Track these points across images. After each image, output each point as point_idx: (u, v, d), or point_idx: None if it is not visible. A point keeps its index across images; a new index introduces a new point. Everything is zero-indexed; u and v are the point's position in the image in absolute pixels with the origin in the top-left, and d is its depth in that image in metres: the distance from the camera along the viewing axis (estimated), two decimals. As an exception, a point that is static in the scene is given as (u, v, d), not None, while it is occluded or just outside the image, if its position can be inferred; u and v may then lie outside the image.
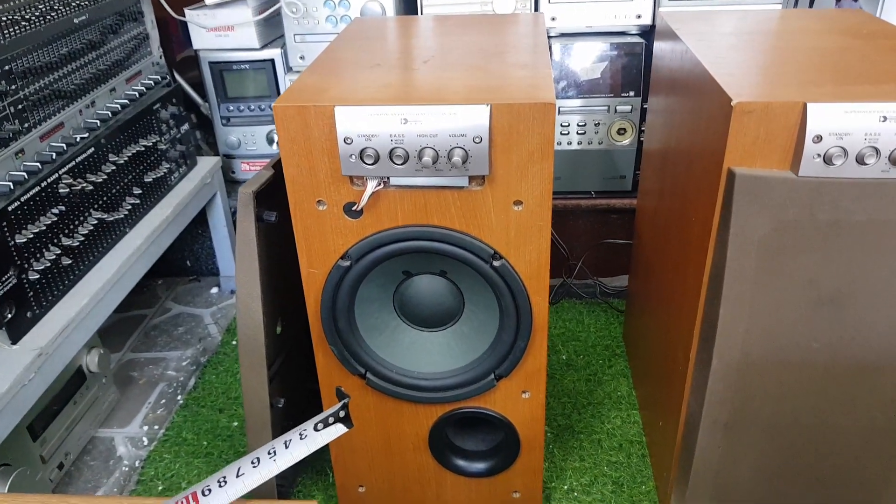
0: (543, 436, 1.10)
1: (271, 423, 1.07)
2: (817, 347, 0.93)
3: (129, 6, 1.43)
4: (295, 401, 1.22)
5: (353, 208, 0.94)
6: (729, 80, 0.88)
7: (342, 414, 0.78)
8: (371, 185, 0.91)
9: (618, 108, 1.59)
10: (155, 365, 1.57)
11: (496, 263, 0.95)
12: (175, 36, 2.01)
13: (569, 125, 1.61)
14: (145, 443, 1.37)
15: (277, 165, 0.97)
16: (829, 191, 0.84)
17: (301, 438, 0.77)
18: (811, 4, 1.90)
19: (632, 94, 1.58)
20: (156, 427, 1.41)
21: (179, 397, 1.48)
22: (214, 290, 1.86)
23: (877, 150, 0.82)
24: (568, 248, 1.76)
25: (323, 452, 1.30)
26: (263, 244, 0.99)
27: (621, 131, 1.61)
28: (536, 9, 1.57)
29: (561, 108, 1.60)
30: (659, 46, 1.27)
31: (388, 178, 0.91)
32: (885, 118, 0.81)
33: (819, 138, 0.82)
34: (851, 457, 1.01)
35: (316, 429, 0.79)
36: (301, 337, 1.19)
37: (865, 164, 0.82)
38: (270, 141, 1.79)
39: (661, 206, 1.23)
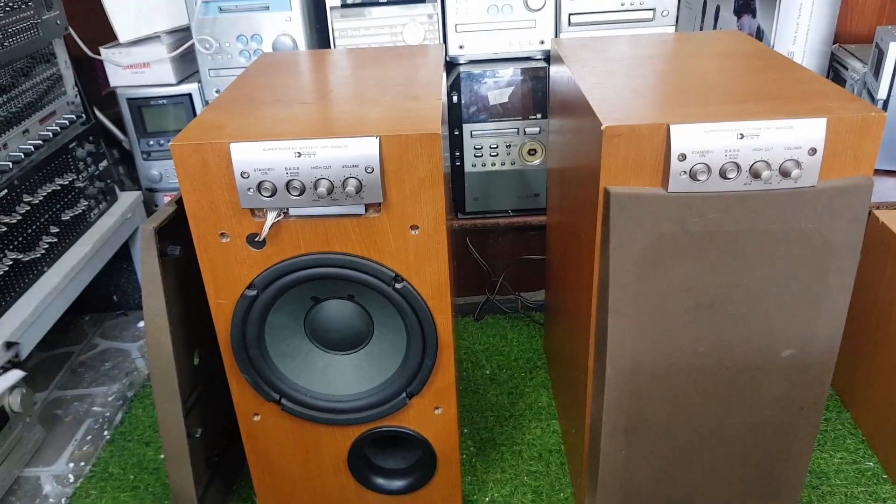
0: (458, 450, 1.14)
1: (190, 453, 1.09)
2: (702, 351, 1.00)
3: (39, 49, 1.45)
4: (217, 429, 1.24)
5: (256, 239, 0.97)
6: (602, 104, 0.95)
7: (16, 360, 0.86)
8: (271, 217, 0.95)
9: (527, 129, 1.66)
10: (81, 402, 1.57)
11: (398, 286, 0.99)
12: (101, 71, 2.02)
13: (482, 147, 1.67)
14: (71, 480, 1.37)
15: (180, 200, 1.00)
16: (697, 204, 0.91)
17: None
18: (715, 24, 2.00)
19: (539, 116, 1.65)
20: (82, 464, 1.41)
21: (106, 433, 1.48)
22: (142, 323, 1.87)
23: (737, 165, 0.89)
24: (489, 265, 1.81)
25: (248, 478, 1.32)
26: (172, 278, 1.02)
27: (532, 152, 1.68)
28: (445, 38, 1.63)
29: (473, 132, 1.66)
30: (553, 71, 1.34)
31: (288, 209, 0.95)
32: (742, 135, 0.88)
33: (683, 157, 0.88)
34: (745, 452, 1.08)
35: None
36: (221, 365, 1.21)
37: (728, 179, 0.89)
38: (193, 174, 1.80)
39: (563, 221, 1.29)
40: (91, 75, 1.79)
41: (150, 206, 1.85)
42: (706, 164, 0.89)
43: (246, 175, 0.91)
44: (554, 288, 1.47)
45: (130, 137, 1.78)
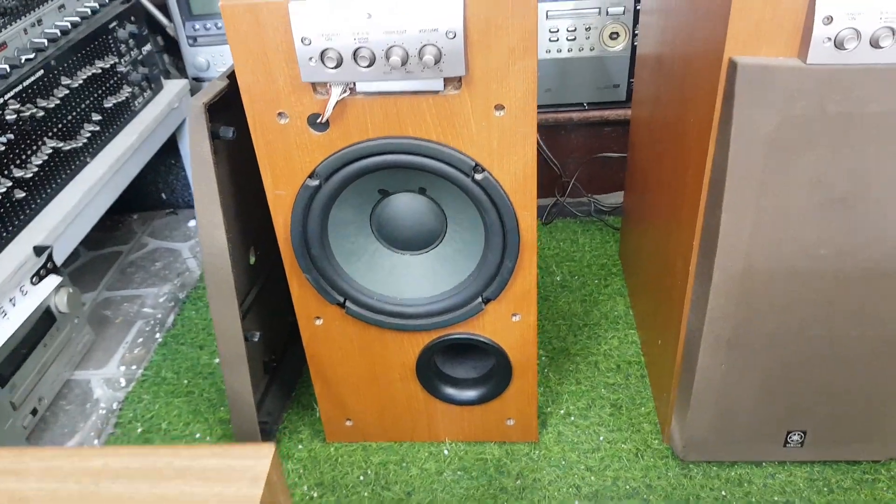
0: (536, 360, 1.04)
1: (248, 357, 1.01)
2: (825, 254, 0.86)
3: (72, -86, 1.32)
4: (275, 332, 1.15)
5: (318, 120, 0.85)
6: (730, -43, 0.79)
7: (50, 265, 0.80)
8: (336, 93, 0.82)
9: (609, 9, 1.48)
10: (131, 303, 1.51)
11: (478, 177, 0.87)
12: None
13: (557, 31, 1.51)
14: (123, 384, 1.31)
15: (232, 76, 0.88)
16: (840, 79, 0.76)
17: (23, 294, 0.77)
18: None
19: (624, -7, 1.47)
20: (133, 367, 1.35)
21: (158, 335, 1.42)
22: (192, 222, 1.79)
23: (893, 31, 0.73)
24: (560, 164, 1.67)
25: (307, 385, 1.25)
26: (225, 164, 0.91)
27: (614, 36, 1.51)
28: None
29: (548, 13, 1.49)
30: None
31: (355, 83, 0.82)
32: (907, -8, 0.72)
33: (829, 19, 0.73)
34: (860, 368, 0.96)
35: (32, 283, 0.77)
36: (279, 265, 1.12)
37: (881, 48, 0.74)
38: (241, 63, 1.68)
39: (656, 114, 1.14)
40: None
41: (197, 98, 1.74)
42: (855, 30, 0.73)
43: (307, 41, 0.78)
44: (638, 189, 1.33)
45: (175, 22, 1.65)
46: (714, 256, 0.87)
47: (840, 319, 0.92)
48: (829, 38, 0.74)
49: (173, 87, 1.59)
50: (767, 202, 0.83)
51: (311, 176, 0.89)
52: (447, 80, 0.82)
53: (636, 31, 1.50)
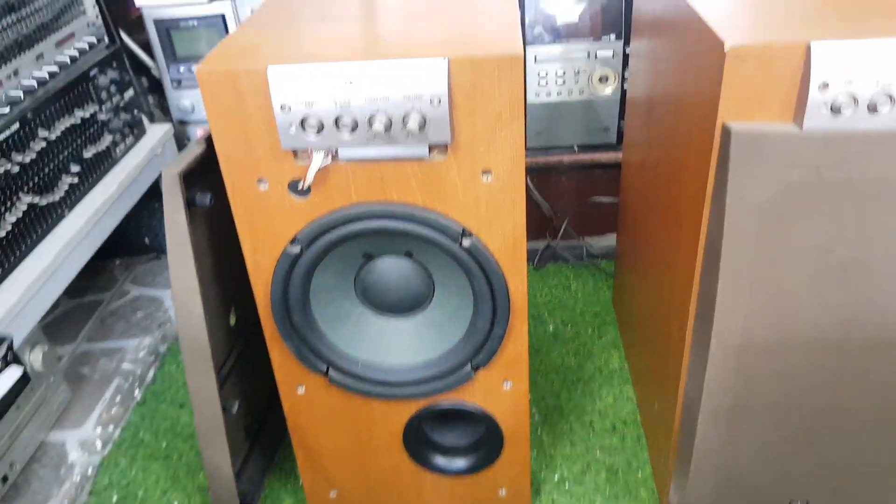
0: (529, 428, 1.00)
1: (226, 428, 0.97)
2: (827, 322, 0.83)
3: (52, -39, 1.29)
4: (256, 395, 1.11)
5: (300, 186, 0.82)
6: (719, 19, 0.76)
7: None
8: (317, 159, 0.79)
9: (598, 53, 1.46)
10: (110, 357, 1.46)
11: (466, 242, 0.83)
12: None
13: (546, 75, 1.49)
14: (98, 447, 1.26)
15: (209, 140, 0.85)
16: (837, 146, 0.73)
17: None
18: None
19: (613, 37, 1.45)
20: (111, 427, 1.30)
21: (137, 392, 1.37)
22: (176, 268, 1.74)
23: (891, 97, 0.71)
24: (551, 207, 1.64)
25: (291, 449, 1.20)
26: (202, 230, 0.88)
27: (603, 80, 1.49)
28: (507, -51, 1.43)
29: (537, 57, 1.47)
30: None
31: (337, 149, 0.79)
32: (904, 57, 0.69)
33: (825, 85, 0.70)
34: (865, 438, 0.92)
35: None
36: (260, 325, 1.08)
37: (878, 113, 0.71)
38: (226, 106, 1.65)
39: (648, 158, 1.12)
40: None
41: (181, 140, 1.71)
42: (852, 95, 0.71)
43: (286, 108, 0.75)
44: (630, 234, 1.30)
45: (159, 64, 1.63)
46: (711, 325, 0.84)
47: (843, 389, 0.88)
48: (826, 104, 0.71)
49: (157, 132, 1.56)
50: (765, 270, 0.80)
51: (292, 242, 0.85)
52: (432, 146, 0.79)
53: (625, 76, 1.48)
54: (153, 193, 1.62)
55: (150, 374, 1.41)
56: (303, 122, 0.76)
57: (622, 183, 1.38)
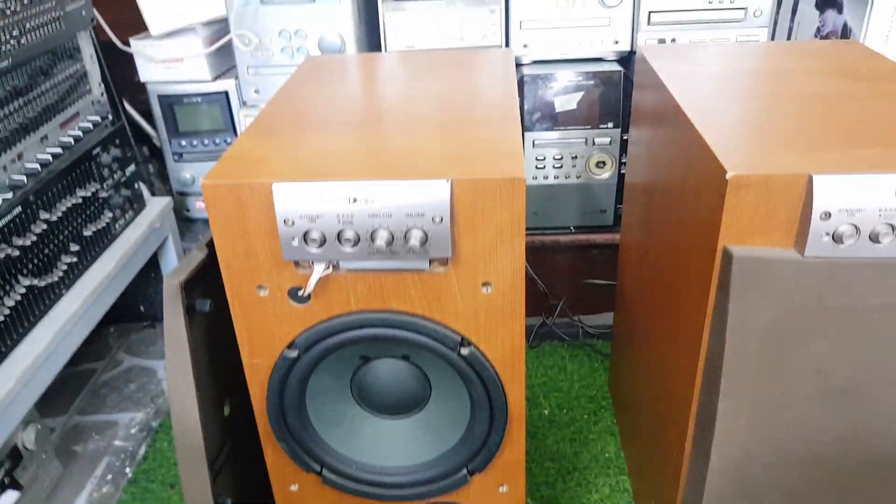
0: (523, 527, 0.99)
1: (219, 524, 0.95)
2: (827, 441, 0.83)
3: (62, 43, 1.30)
4: (248, 496, 1.10)
5: (299, 294, 0.82)
6: (721, 143, 0.77)
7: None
8: (318, 270, 0.79)
9: (596, 140, 1.48)
10: (102, 434, 1.44)
11: (464, 351, 0.83)
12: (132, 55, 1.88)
13: (544, 158, 1.50)
14: (89, 527, 1.24)
15: (211, 244, 0.85)
16: (839, 273, 0.74)
17: None
18: (793, 17, 1.80)
19: (610, 125, 1.47)
20: (102, 507, 1.28)
21: (128, 470, 1.35)
22: (171, 337, 1.74)
23: (893, 227, 0.71)
24: (547, 286, 1.65)
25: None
26: (200, 332, 0.87)
27: (600, 164, 1.51)
28: (507, 35, 1.46)
29: (536, 142, 1.49)
30: (639, 81, 1.16)
31: (338, 261, 0.80)
32: (904, 191, 0.70)
33: (828, 215, 0.71)
34: (864, 552, 0.91)
35: None
36: (253, 417, 1.08)
37: (880, 243, 0.72)
38: (227, 178, 1.66)
39: (647, 243, 1.12)
40: (121, 60, 1.63)
41: (180, 212, 1.72)
42: (854, 226, 0.71)
43: (290, 222, 0.76)
44: (627, 318, 1.30)
45: (161, 137, 1.64)
46: (712, 438, 0.83)
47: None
48: (828, 233, 0.72)
49: (156, 205, 1.57)
50: (766, 389, 0.80)
51: (289, 346, 0.85)
52: (433, 259, 0.79)
53: (623, 161, 1.50)
54: (150, 263, 1.62)
55: (142, 450, 1.39)
56: (305, 236, 0.76)
57: (620, 265, 1.39)
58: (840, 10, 1.65)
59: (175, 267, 0.83)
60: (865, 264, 0.73)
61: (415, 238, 0.75)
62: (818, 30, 1.74)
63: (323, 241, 0.77)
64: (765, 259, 0.74)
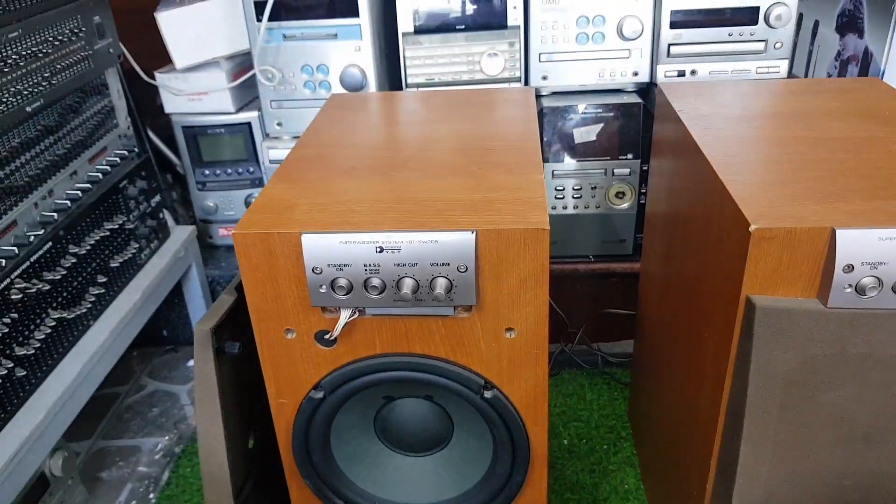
0: (545, 565, 1.00)
1: (244, 560, 0.97)
2: (849, 485, 0.83)
3: (90, 81, 1.33)
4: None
5: (326, 337, 0.84)
6: (743, 192, 0.78)
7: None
8: (345, 315, 0.81)
9: (615, 170, 1.49)
10: (126, 459, 1.46)
11: (487, 394, 0.85)
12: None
13: (563, 189, 1.52)
14: (115, 553, 1.26)
15: (239, 287, 0.87)
16: (861, 323, 0.74)
17: None
18: (812, 40, 1.80)
19: (630, 156, 1.48)
20: (127, 533, 1.30)
21: (152, 496, 1.37)
22: (191, 362, 1.76)
23: (915, 278, 0.72)
24: (566, 314, 1.66)
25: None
26: (228, 375, 0.89)
27: (620, 195, 1.52)
28: (527, 67, 1.47)
29: (555, 172, 1.50)
30: (660, 114, 1.17)
31: (364, 307, 0.81)
32: (926, 244, 0.71)
33: (850, 268, 0.72)
34: None
35: None
36: (277, 449, 1.09)
37: (903, 294, 0.73)
38: (248, 205, 1.69)
39: (668, 273, 1.12)
40: (145, 87, 1.66)
41: (204, 238, 1.74)
42: (877, 278, 0.72)
43: (318, 270, 0.77)
44: (647, 348, 1.31)
45: (185, 165, 1.67)
46: (733, 484, 0.84)
47: (864, 546, 0.88)
48: (850, 285, 0.73)
49: (180, 235, 1.59)
50: (788, 435, 0.80)
51: (315, 388, 0.87)
52: (457, 306, 0.80)
53: (643, 191, 1.50)
54: (173, 289, 1.65)
55: (165, 476, 1.41)
56: (333, 284, 0.78)
57: (640, 293, 1.40)
58: (861, 35, 1.66)
59: (205, 313, 0.85)
60: (889, 315, 0.74)
61: (440, 286, 0.77)
62: (838, 54, 1.74)
63: (350, 289, 0.78)
64: (788, 309, 0.75)
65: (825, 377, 0.77)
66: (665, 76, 1.46)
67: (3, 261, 1.06)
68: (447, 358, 0.84)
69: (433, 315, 0.81)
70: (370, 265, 0.77)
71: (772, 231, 0.72)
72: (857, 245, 0.71)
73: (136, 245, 1.43)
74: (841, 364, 0.76)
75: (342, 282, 0.78)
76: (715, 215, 0.85)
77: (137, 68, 1.57)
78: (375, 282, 0.78)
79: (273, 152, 1.56)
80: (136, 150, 1.48)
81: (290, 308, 0.82)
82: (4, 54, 1.08)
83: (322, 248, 0.76)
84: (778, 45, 1.43)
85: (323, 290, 0.79)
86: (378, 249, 0.76)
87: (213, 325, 0.81)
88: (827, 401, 0.78)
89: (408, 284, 0.77)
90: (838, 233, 0.71)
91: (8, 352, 1.07)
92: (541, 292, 0.79)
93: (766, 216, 0.73)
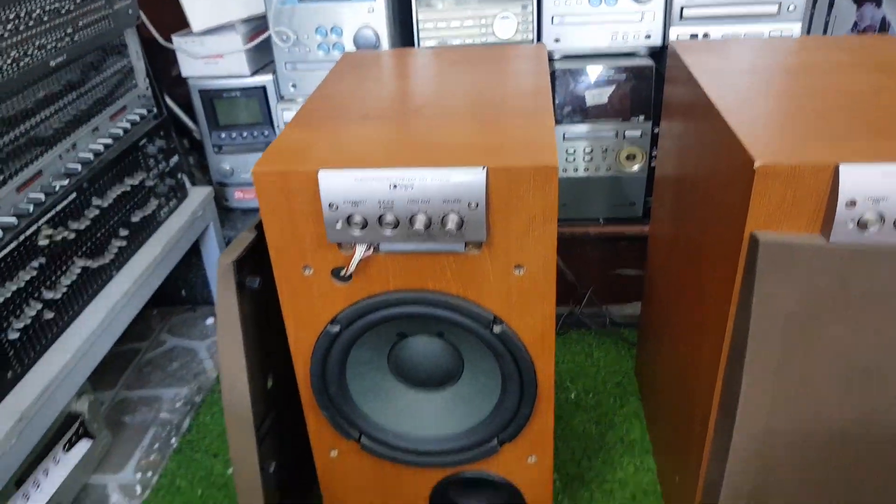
0: (552, 499, 1.03)
1: (263, 489, 1.01)
2: (849, 419, 0.86)
3: (110, 40, 1.37)
4: (288, 463, 1.15)
5: (342, 273, 0.87)
6: (749, 133, 0.80)
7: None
8: (360, 251, 0.84)
9: (626, 133, 1.51)
10: (148, 406, 1.51)
11: (496, 329, 0.88)
12: (172, 51, 1.94)
13: (574, 152, 1.54)
14: (138, 491, 1.31)
15: (259, 226, 0.91)
16: (863, 259, 0.77)
17: (56, 463, 0.77)
18: (829, 11, 1.81)
19: (642, 118, 1.50)
20: (149, 474, 1.35)
21: (173, 440, 1.42)
22: (210, 320, 1.80)
23: (917, 215, 0.74)
24: (576, 276, 1.68)
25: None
26: (248, 308, 0.93)
27: (630, 157, 1.54)
28: (539, 30, 1.49)
29: (566, 134, 1.52)
30: (671, 75, 1.19)
31: (378, 243, 0.84)
32: (926, 179, 0.73)
33: (853, 203, 0.74)
34: (883, 529, 0.94)
35: (64, 450, 0.76)
36: (294, 388, 1.13)
37: (904, 230, 0.75)
38: (266, 167, 1.72)
39: (676, 236, 1.15)
40: (161, 55, 1.70)
41: (219, 201, 1.78)
42: (880, 213, 0.74)
43: (334, 207, 0.81)
44: (654, 307, 1.33)
45: (202, 130, 1.71)
46: (735, 416, 0.87)
47: (864, 480, 0.91)
48: (853, 220, 0.75)
49: (197, 195, 1.63)
50: (789, 371, 0.83)
51: (332, 322, 0.90)
52: (468, 242, 0.84)
53: (653, 154, 1.53)
54: (190, 250, 1.69)
55: (186, 423, 1.46)
56: (348, 220, 0.81)
57: (648, 256, 1.42)
58: (878, 4, 1.66)
59: (227, 247, 0.88)
60: (889, 251, 0.76)
61: (451, 222, 0.80)
62: (855, 24, 1.74)
63: (365, 225, 0.81)
64: (790, 244, 0.77)
65: (826, 312, 0.80)
66: (678, 39, 1.47)
67: (32, 206, 1.10)
68: (458, 294, 0.87)
69: (445, 251, 0.84)
70: (384, 201, 0.80)
71: (776, 168, 0.75)
72: (860, 180, 0.73)
73: (156, 202, 1.46)
74: (842, 299, 0.79)
75: (357, 218, 0.81)
76: (721, 158, 0.87)
77: (155, 33, 1.61)
78: (389, 218, 0.81)
79: (288, 114, 1.59)
80: (155, 111, 1.51)
81: (307, 245, 0.85)
82: (30, 9, 1.11)
83: (338, 184, 0.80)
84: (791, 7, 1.44)
85: (339, 227, 0.82)
86: (392, 186, 0.79)
87: (235, 257, 0.85)
88: (828, 335, 0.81)
89: (420, 220, 0.80)
90: (841, 168, 0.73)
91: (37, 294, 1.11)
92: (549, 230, 0.82)
93: (770, 153, 0.76)
